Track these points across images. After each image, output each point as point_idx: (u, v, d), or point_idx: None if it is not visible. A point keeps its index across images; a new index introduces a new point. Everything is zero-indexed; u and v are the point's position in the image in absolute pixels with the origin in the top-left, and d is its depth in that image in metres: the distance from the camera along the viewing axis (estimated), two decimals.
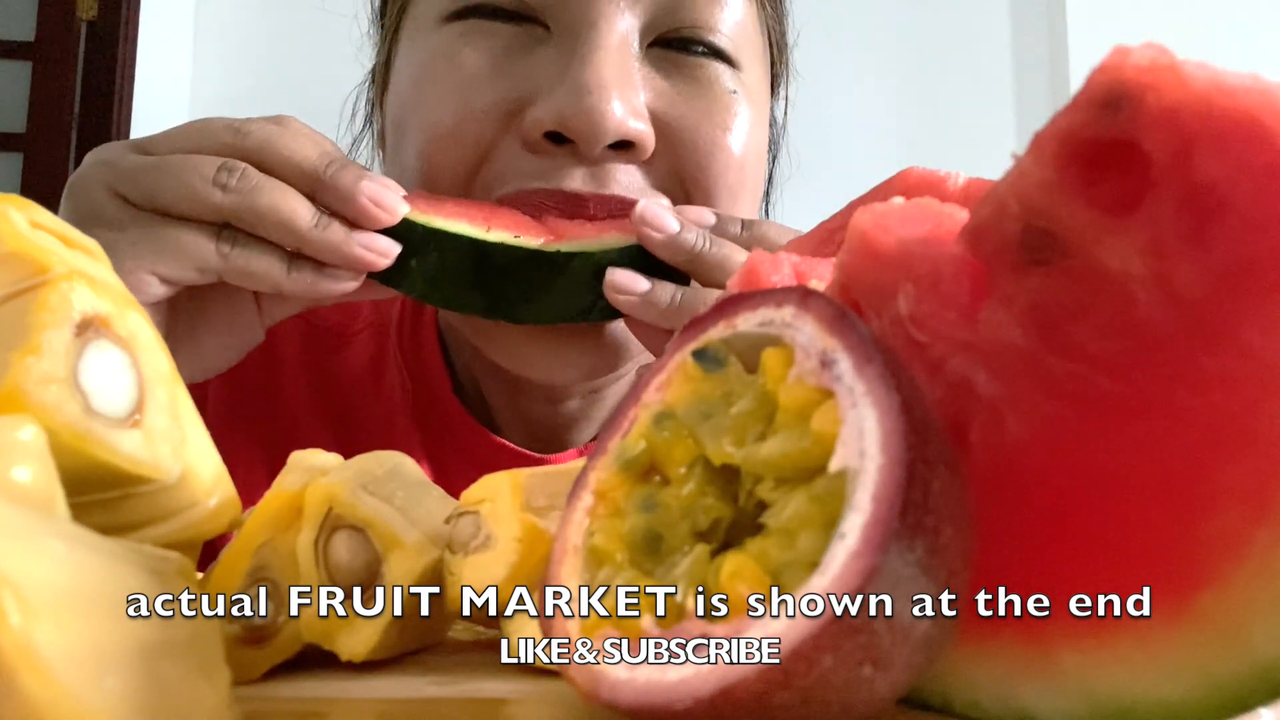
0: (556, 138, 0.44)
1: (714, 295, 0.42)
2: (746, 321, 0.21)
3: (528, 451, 0.56)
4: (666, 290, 0.43)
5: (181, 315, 0.43)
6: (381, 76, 0.55)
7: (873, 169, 0.49)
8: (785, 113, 0.60)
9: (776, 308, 0.20)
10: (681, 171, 0.47)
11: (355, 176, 0.40)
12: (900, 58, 2.24)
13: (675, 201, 0.47)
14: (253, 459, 0.55)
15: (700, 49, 0.48)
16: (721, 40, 0.48)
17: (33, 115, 2.07)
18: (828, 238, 0.37)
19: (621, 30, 0.45)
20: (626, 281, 0.43)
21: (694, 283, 0.44)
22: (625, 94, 0.44)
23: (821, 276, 0.33)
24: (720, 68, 0.48)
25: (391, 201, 0.41)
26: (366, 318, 0.61)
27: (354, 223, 0.41)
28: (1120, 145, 0.19)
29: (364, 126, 0.60)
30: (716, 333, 0.21)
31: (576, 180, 0.45)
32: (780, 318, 0.20)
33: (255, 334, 0.46)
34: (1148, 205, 0.19)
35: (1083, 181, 0.20)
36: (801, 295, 0.20)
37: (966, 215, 0.23)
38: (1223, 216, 0.18)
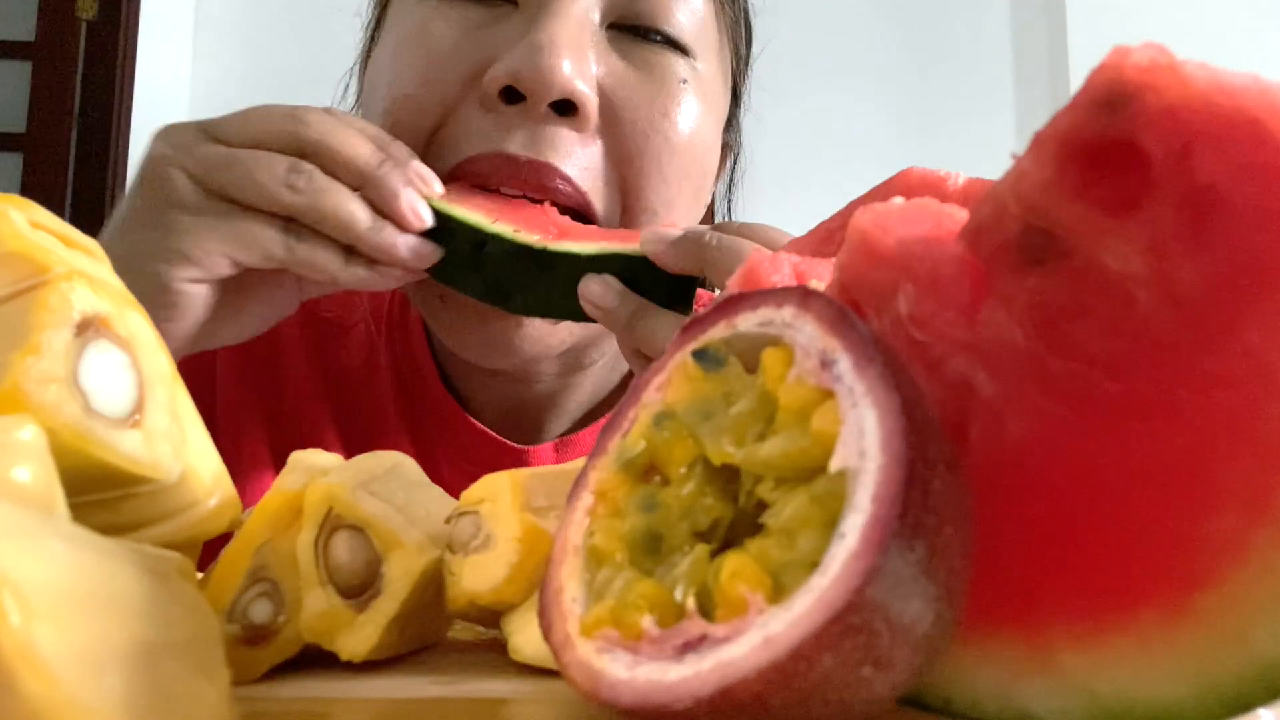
0: (510, 94, 0.47)
1: (674, 322, 0.44)
2: (746, 321, 0.21)
3: (506, 441, 0.60)
4: (628, 306, 0.45)
5: (231, 288, 0.46)
6: (367, 50, 0.60)
7: (873, 169, 0.49)
8: (743, 114, 0.63)
9: (776, 308, 0.20)
10: (619, 149, 0.50)
11: (401, 181, 0.44)
12: (901, 58, 2.24)
13: (610, 181, 0.51)
14: (259, 441, 0.60)
15: (656, 36, 0.51)
16: (677, 30, 0.51)
17: (33, 115, 2.07)
18: (828, 238, 0.37)
19: (583, 5, 0.49)
20: (597, 291, 0.45)
21: (666, 314, 0.46)
22: (575, 56, 0.47)
23: (821, 276, 0.33)
24: (674, 57, 0.51)
25: (424, 212, 0.45)
26: (363, 310, 0.65)
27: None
28: (1120, 145, 0.19)
29: (355, 102, 0.64)
30: (716, 333, 0.21)
31: (516, 142, 0.47)
32: (780, 318, 0.20)
33: (291, 307, 0.50)
34: (1148, 205, 0.19)
35: (1083, 181, 0.20)
36: (801, 295, 0.20)
37: (966, 215, 0.23)
38: (1223, 216, 0.18)
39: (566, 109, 0.48)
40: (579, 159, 0.49)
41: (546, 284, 0.46)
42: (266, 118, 0.44)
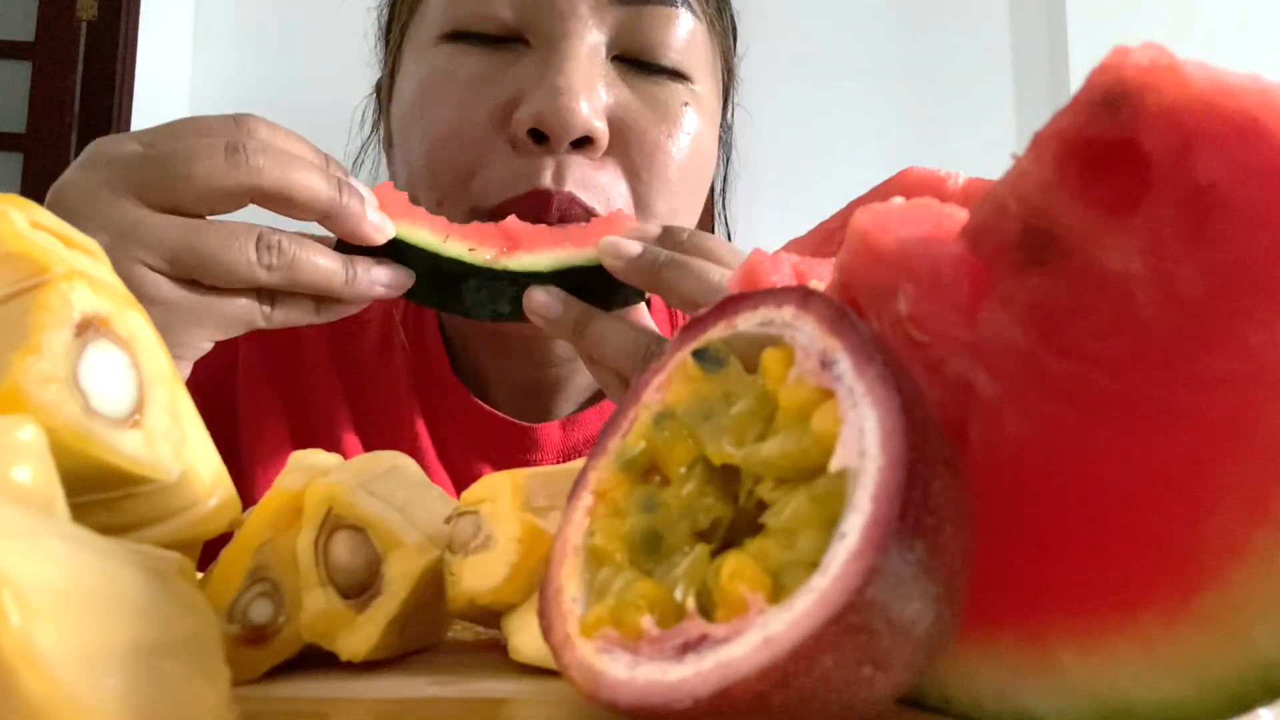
0: (536, 135, 0.52)
1: (621, 326, 0.45)
2: (747, 321, 0.21)
3: (513, 420, 0.64)
4: (572, 313, 0.46)
5: None
6: (387, 88, 0.63)
7: (873, 169, 0.50)
8: (732, 114, 0.69)
9: (777, 308, 0.20)
10: (629, 166, 0.55)
11: (360, 207, 0.44)
12: (901, 57, 2.24)
13: (622, 193, 0.55)
14: (280, 425, 0.63)
15: (658, 69, 0.56)
16: (675, 58, 0.56)
17: (33, 115, 2.07)
18: (828, 238, 0.37)
19: (590, 43, 0.54)
20: (541, 301, 0.46)
21: (613, 319, 0.47)
22: (590, 96, 0.52)
23: (821, 276, 0.33)
24: (675, 85, 0.57)
25: (389, 229, 0.46)
26: (379, 304, 0.68)
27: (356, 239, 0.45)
28: (1120, 145, 0.19)
29: (370, 132, 0.68)
30: (717, 333, 0.21)
31: (547, 175, 0.52)
32: (780, 318, 0.20)
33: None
34: (1148, 205, 0.19)
35: (1083, 181, 0.20)
36: (802, 295, 0.20)
37: (966, 215, 0.23)
38: (1223, 216, 0.18)
39: (583, 141, 0.52)
40: (596, 184, 0.53)
41: (504, 298, 0.47)
42: (212, 172, 0.40)
